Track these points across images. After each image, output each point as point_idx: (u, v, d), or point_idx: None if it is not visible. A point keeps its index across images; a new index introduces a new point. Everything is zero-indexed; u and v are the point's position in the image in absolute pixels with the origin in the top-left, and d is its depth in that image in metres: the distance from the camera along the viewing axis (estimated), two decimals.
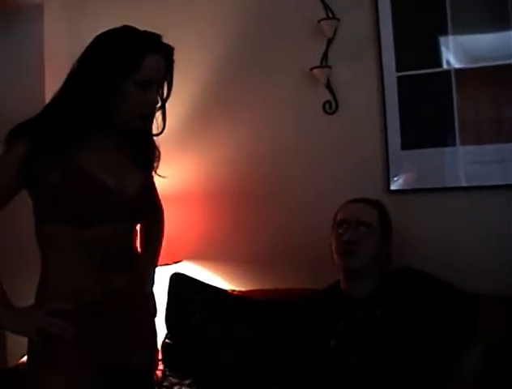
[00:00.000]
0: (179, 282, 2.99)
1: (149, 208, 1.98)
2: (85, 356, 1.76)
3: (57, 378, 1.73)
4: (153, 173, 2.01)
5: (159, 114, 1.91)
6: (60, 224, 1.77)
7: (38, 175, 1.74)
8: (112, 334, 1.81)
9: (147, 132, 1.93)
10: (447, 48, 2.85)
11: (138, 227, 2.02)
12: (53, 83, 3.31)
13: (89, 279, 1.79)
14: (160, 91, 1.88)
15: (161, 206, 2.14)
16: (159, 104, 1.89)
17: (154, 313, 2.05)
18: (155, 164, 2.00)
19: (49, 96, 3.21)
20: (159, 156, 2.00)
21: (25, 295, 1.93)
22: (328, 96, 3.04)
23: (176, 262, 3.12)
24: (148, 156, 1.98)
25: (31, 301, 1.85)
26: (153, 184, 2.01)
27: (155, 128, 1.94)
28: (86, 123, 1.78)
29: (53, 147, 1.73)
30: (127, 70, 1.74)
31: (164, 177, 2.03)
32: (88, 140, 1.80)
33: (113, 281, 1.81)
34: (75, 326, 1.74)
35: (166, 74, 1.85)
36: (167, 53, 1.83)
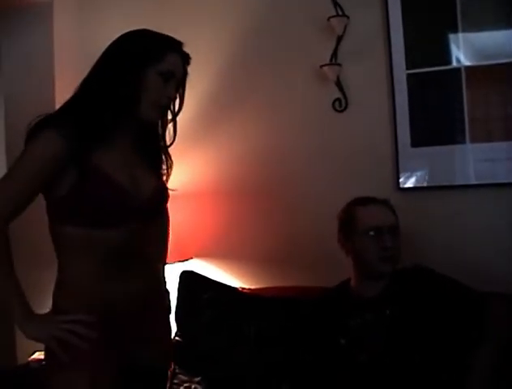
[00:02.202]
0: (189, 280, 2.99)
1: (163, 209, 1.99)
2: (104, 356, 1.77)
3: (80, 378, 1.74)
4: (165, 180, 2.04)
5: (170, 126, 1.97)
6: (76, 226, 1.76)
7: (58, 175, 1.73)
8: (129, 333, 1.83)
9: (157, 134, 1.97)
10: (457, 45, 2.84)
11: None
12: (62, 81, 3.36)
13: (106, 280, 1.80)
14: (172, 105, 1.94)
15: (167, 207, 2.13)
16: (170, 117, 1.95)
17: (168, 310, 2.05)
18: (168, 172, 2.03)
19: (58, 94, 3.25)
20: (171, 166, 2.03)
21: (42, 294, 1.94)
22: (338, 94, 3.03)
23: (186, 260, 3.13)
24: (160, 160, 2.01)
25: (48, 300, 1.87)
26: (166, 187, 2.02)
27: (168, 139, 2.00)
28: (112, 118, 1.79)
29: (80, 146, 1.73)
30: (152, 58, 1.80)
31: (173, 190, 2.05)
32: (107, 141, 1.81)
33: (130, 282, 1.82)
34: (94, 326, 1.76)
35: (182, 78, 1.91)
36: (185, 59, 1.90)
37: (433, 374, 2.19)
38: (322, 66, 3.00)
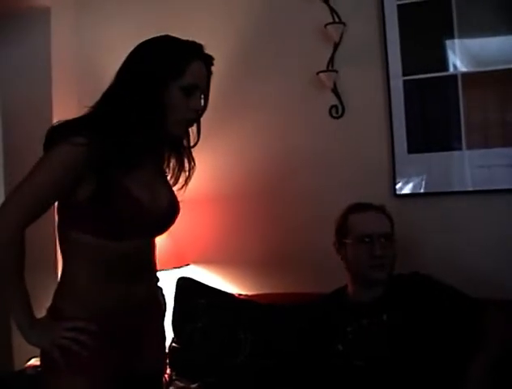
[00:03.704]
0: (186, 286, 2.99)
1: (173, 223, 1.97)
2: (104, 363, 1.76)
3: (79, 385, 1.73)
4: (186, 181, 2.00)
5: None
6: (86, 233, 1.74)
7: (76, 181, 1.70)
8: (128, 340, 1.83)
9: (182, 143, 1.93)
10: (453, 52, 2.85)
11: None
12: (60, 86, 3.35)
13: (111, 290, 1.79)
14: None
15: None
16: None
17: (164, 315, 2.05)
18: (189, 174, 1.98)
19: (55, 98, 3.25)
20: (193, 168, 1.98)
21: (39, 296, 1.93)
22: (334, 101, 3.04)
23: (183, 266, 3.13)
24: (181, 168, 1.97)
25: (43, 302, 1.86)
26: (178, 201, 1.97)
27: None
28: (139, 142, 1.75)
29: (103, 162, 1.69)
30: (173, 74, 1.74)
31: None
32: (129, 153, 1.76)
33: (134, 292, 1.81)
34: (94, 334, 1.75)
35: (207, 80, 1.85)
36: (208, 62, 1.84)
37: (430, 380, 2.19)
38: (318, 73, 3.01)
